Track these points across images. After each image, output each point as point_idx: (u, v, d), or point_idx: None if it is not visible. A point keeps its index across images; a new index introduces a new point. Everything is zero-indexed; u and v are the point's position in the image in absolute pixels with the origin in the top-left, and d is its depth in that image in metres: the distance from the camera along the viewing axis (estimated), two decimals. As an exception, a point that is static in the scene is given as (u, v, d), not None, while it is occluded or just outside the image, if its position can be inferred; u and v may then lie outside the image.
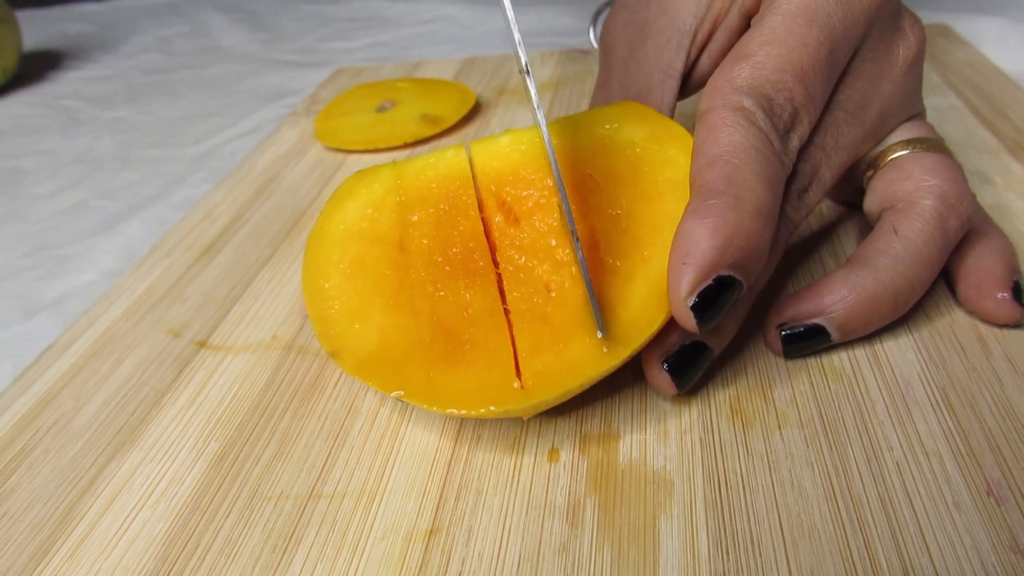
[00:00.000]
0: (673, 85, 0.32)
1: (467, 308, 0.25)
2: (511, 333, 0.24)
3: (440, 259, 0.26)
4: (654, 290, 0.24)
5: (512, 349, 0.24)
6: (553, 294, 0.25)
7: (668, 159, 0.27)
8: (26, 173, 0.54)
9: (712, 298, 0.22)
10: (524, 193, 0.27)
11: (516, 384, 0.23)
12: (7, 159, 0.57)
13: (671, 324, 0.24)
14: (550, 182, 0.27)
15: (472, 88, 0.53)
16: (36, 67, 0.76)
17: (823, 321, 0.26)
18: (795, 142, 0.26)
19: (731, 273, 0.22)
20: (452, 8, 0.77)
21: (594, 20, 0.64)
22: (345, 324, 0.26)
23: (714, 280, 0.22)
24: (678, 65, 0.31)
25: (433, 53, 0.67)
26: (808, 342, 0.27)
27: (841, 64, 0.26)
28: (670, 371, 0.25)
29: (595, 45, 0.61)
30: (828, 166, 0.27)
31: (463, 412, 0.23)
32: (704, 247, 0.22)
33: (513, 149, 0.28)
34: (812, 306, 0.26)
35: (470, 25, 0.74)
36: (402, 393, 0.24)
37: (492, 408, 0.23)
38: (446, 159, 0.29)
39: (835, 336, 0.26)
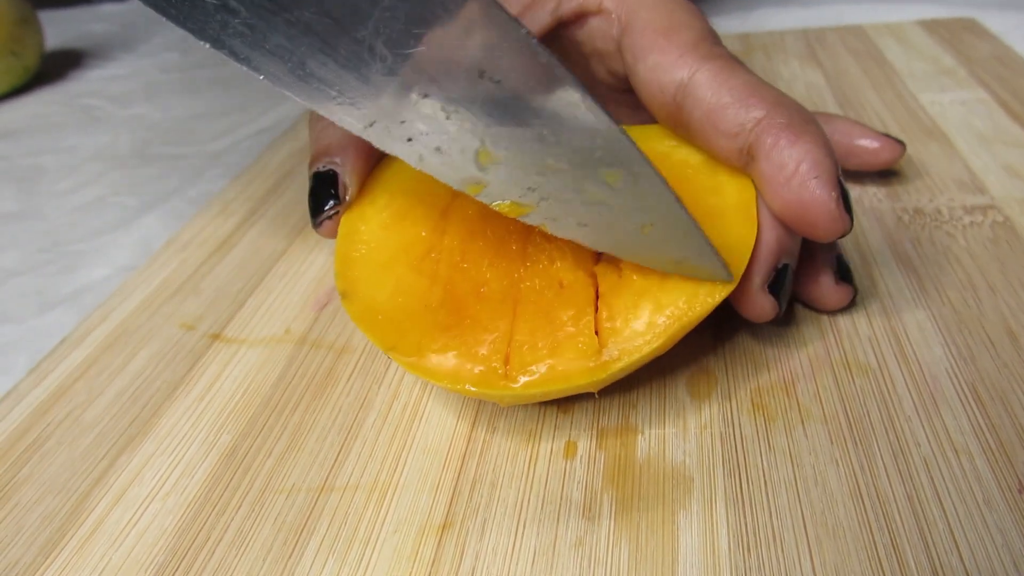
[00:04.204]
0: None
1: (484, 286, 0.25)
2: (514, 321, 0.24)
3: (476, 233, 0.27)
4: (657, 318, 0.23)
5: (509, 336, 0.24)
6: (563, 290, 0.25)
7: (717, 186, 0.26)
8: (45, 170, 0.54)
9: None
10: None
11: (500, 370, 0.23)
12: (27, 156, 0.57)
13: (765, 249, 0.25)
14: None
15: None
16: (57, 66, 0.76)
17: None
18: None
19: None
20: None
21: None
22: (365, 269, 0.26)
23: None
24: None
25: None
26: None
27: None
28: (773, 293, 0.25)
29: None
30: None
31: (443, 384, 0.23)
32: (824, 158, 0.24)
33: None
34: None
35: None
36: (393, 352, 0.24)
37: (470, 388, 0.23)
38: None
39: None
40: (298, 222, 0.40)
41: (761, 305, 0.25)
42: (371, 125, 0.22)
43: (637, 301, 0.24)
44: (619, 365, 0.23)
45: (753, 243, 0.25)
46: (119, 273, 0.40)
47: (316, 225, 0.27)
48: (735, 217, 0.25)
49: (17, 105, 0.68)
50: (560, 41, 0.29)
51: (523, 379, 0.23)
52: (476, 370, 0.23)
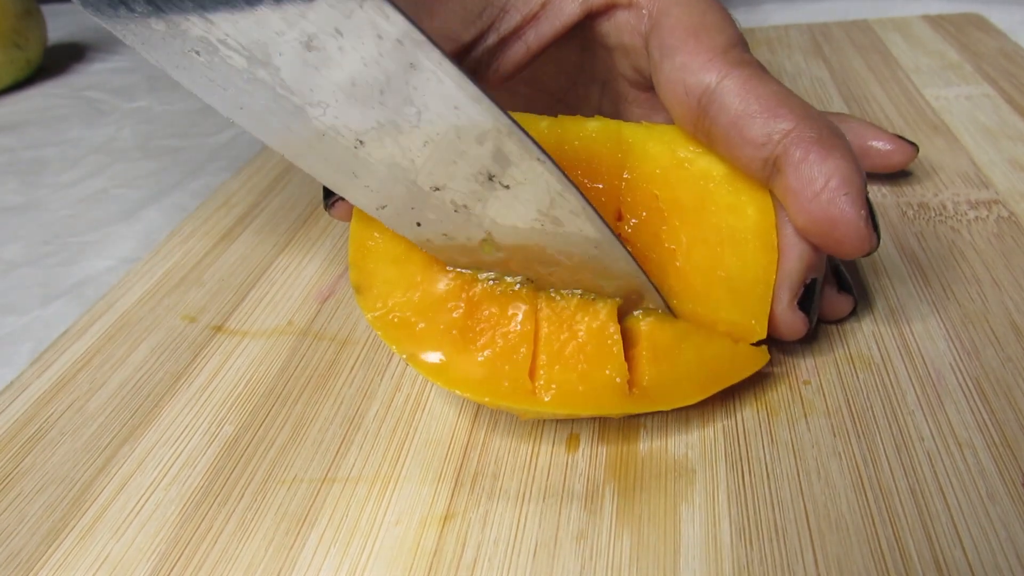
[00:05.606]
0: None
1: (507, 288, 0.24)
2: (537, 331, 0.24)
3: None
4: (701, 371, 0.24)
5: (533, 348, 0.23)
6: (584, 304, 0.24)
7: (737, 205, 0.25)
8: (48, 163, 0.54)
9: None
10: (591, 186, 0.26)
11: (528, 386, 0.23)
12: (30, 149, 0.57)
13: (792, 266, 0.25)
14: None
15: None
16: (60, 59, 0.76)
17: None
18: None
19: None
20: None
21: None
22: (380, 261, 0.25)
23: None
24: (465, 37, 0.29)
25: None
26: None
27: None
28: (803, 309, 0.25)
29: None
30: None
31: (466, 394, 0.23)
32: (854, 175, 0.23)
33: (599, 135, 0.27)
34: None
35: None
36: (411, 358, 0.23)
37: (496, 400, 0.23)
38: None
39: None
40: (301, 214, 0.40)
41: (792, 323, 0.25)
42: (383, 208, 0.23)
43: (680, 344, 0.24)
44: (657, 407, 0.23)
45: (773, 277, 0.25)
46: (121, 265, 0.40)
47: (328, 206, 0.27)
48: (755, 244, 0.25)
49: (20, 98, 0.68)
50: (586, 32, 0.29)
51: (550, 397, 0.23)
52: (504, 384, 0.23)
